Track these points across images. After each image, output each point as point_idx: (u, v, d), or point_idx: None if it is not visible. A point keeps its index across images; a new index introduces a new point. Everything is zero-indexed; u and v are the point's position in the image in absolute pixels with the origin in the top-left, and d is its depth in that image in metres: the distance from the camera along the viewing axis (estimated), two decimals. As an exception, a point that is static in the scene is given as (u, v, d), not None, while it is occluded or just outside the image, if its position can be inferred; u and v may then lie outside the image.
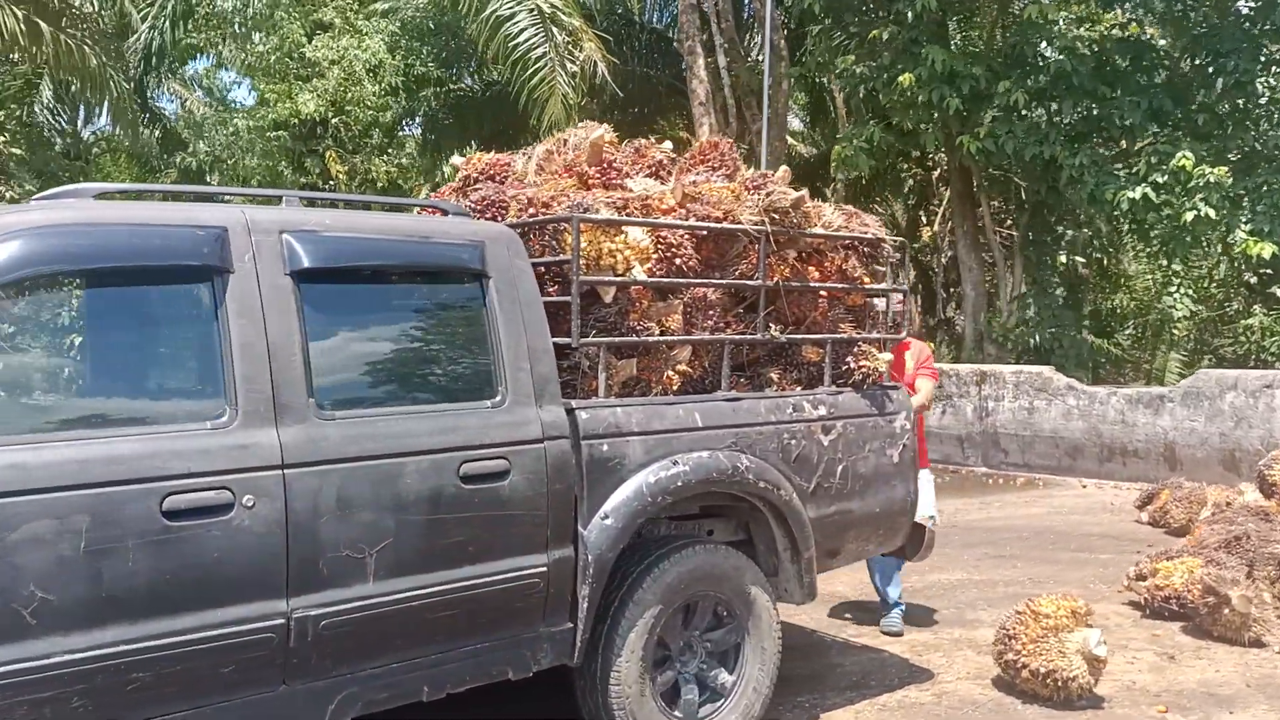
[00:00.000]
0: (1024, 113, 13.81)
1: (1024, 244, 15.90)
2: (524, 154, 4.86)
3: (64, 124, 21.22)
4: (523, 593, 3.68)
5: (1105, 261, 18.91)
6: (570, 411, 3.85)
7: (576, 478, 3.81)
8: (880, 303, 5.11)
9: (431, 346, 3.74)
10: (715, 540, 4.39)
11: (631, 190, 4.52)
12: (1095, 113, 13.74)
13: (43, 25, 15.09)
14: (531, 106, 14.79)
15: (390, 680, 3.43)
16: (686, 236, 4.36)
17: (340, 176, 15.83)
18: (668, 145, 5.03)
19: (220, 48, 18.89)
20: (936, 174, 18.80)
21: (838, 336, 4.72)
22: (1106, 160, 13.67)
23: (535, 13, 14.55)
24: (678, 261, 4.29)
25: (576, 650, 3.85)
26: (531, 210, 4.23)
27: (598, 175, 4.57)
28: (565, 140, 4.83)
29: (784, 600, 4.58)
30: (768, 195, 4.47)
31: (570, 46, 15.00)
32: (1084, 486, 11.18)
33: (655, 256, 4.26)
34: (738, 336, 4.41)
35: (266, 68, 15.80)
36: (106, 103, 16.24)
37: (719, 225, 4.36)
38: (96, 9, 18.00)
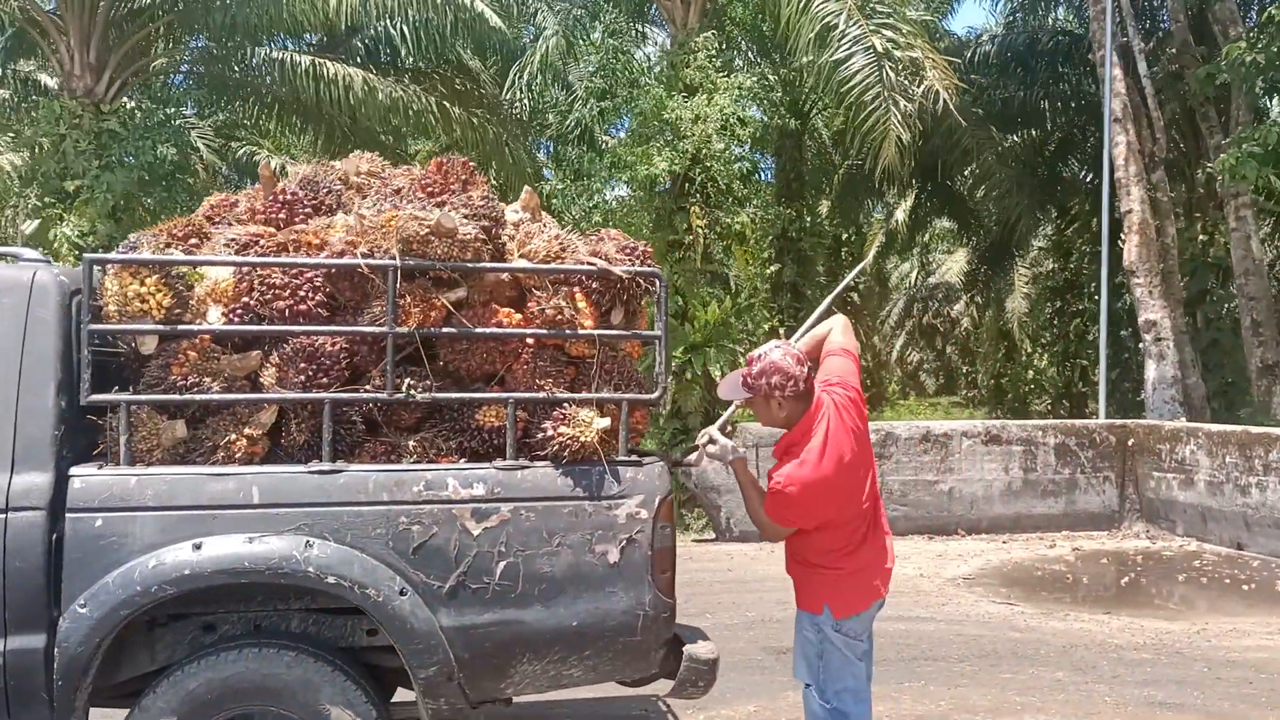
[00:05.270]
0: None
1: None
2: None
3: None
4: (-34, 683, 3.28)
5: None
6: (63, 479, 3.39)
7: (52, 556, 3.33)
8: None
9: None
10: (275, 644, 3.57)
11: (304, 225, 3.94)
12: None
13: (450, 108, 17.07)
14: (867, 151, 13.71)
15: None
16: (310, 275, 3.68)
17: (700, 229, 15.85)
18: (416, 171, 4.31)
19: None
20: None
21: (521, 396, 3.69)
22: None
23: (870, 51, 13.47)
24: (279, 305, 3.63)
25: (58, 757, 3.34)
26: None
27: (261, 211, 4.03)
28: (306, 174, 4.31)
29: (421, 729, 3.64)
30: (400, 223, 3.62)
31: (908, 80, 13.69)
32: None
33: (250, 300, 3.65)
34: (343, 395, 3.60)
35: (631, 132, 16.33)
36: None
37: (290, 260, 3.64)
38: (519, 95, 19.90)
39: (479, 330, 3.69)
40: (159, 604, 3.41)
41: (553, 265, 3.79)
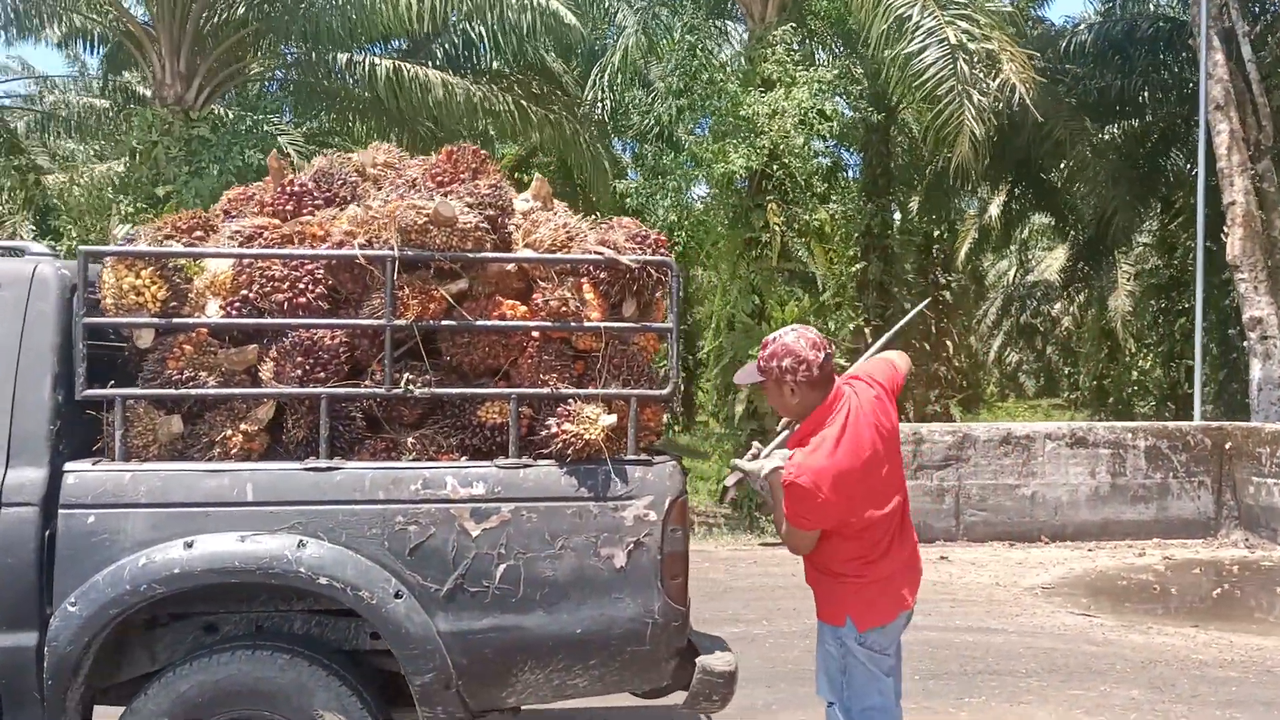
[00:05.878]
0: None
1: None
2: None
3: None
4: (-45, 682, 3.25)
5: None
6: (57, 475, 3.34)
7: (44, 552, 3.29)
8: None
9: None
10: (269, 646, 3.46)
11: (312, 218, 3.85)
12: None
13: (529, 108, 17.07)
14: (939, 146, 13.25)
15: None
16: (311, 268, 3.59)
17: (776, 226, 15.54)
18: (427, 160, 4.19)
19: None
20: None
21: (523, 391, 3.54)
22: None
23: (945, 43, 13.01)
24: (279, 297, 3.54)
25: (51, 757, 3.29)
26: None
27: (270, 203, 3.94)
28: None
29: (421, 739, 3.51)
30: (399, 213, 3.50)
31: (983, 73, 13.19)
32: None
33: (250, 293, 3.56)
34: (340, 390, 3.49)
35: (710, 129, 16.10)
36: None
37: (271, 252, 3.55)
38: (602, 95, 19.81)
39: (479, 323, 3.54)
40: (151, 603, 3.34)
41: (557, 255, 3.63)
